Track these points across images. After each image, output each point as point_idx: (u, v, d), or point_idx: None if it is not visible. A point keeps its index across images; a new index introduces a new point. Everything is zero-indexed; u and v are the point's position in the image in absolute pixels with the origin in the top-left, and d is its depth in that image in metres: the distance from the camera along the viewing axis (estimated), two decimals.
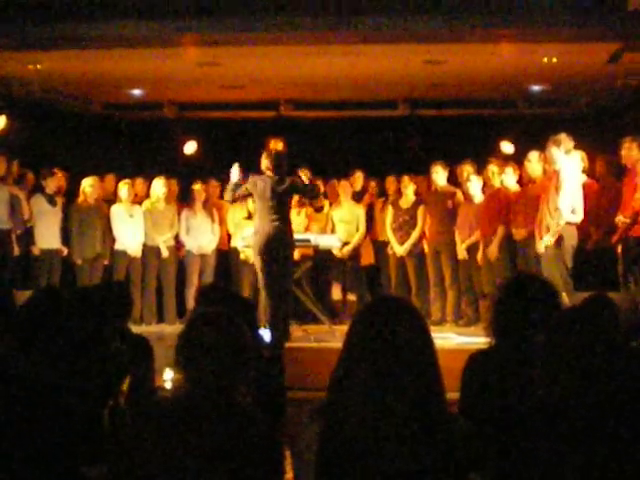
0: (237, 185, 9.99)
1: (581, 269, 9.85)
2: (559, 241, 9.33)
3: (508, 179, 11.10)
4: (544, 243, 9.39)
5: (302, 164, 10.39)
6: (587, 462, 3.00)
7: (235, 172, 10.13)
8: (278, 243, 9.75)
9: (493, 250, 10.83)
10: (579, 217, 9.42)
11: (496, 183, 11.15)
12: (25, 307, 5.05)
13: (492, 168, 11.36)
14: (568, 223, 9.34)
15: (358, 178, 12.83)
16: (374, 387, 2.93)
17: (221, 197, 12.72)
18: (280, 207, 9.83)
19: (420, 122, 14.56)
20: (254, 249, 9.96)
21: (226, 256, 12.42)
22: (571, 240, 9.42)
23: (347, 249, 12.04)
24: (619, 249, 9.91)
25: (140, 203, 12.05)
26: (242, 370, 3.29)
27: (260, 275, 9.91)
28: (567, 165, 9.39)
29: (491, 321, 4.13)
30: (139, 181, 12.49)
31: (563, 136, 9.45)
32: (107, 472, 3.56)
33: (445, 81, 12.66)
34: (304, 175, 10.04)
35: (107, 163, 13.80)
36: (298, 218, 11.16)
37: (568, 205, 9.30)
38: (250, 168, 10.28)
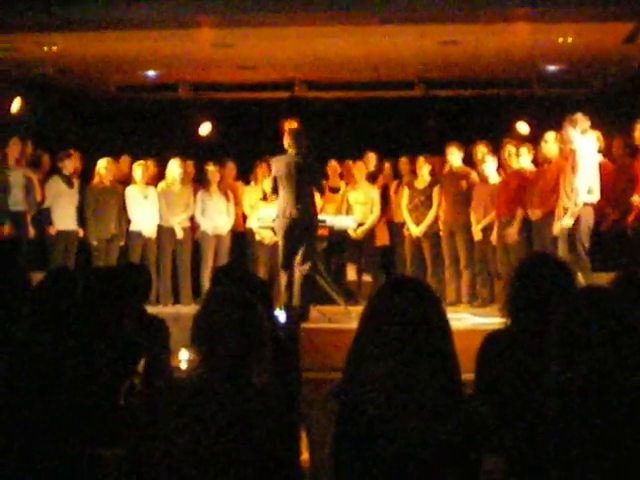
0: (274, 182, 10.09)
1: (597, 250, 9.82)
2: (576, 221, 9.29)
3: (523, 160, 11.06)
4: (564, 224, 9.33)
5: (315, 144, 10.38)
6: (602, 447, 3.00)
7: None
8: (301, 226, 9.80)
9: (512, 233, 10.75)
10: (596, 197, 9.37)
11: (514, 164, 11.09)
12: (38, 288, 5.07)
13: (510, 149, 11.30)
14: (585, 203, 9.29)
15: (371, 159, 12.81)
16: (390, 368, 2.93)
17: (236, 179, 12.77)
18: (303, 187, 9.84)
19: (435, 103, 14.52)
20: (277, 231, 10.00)
21: (241, 237, 12.44)
22: (588, 220, 9.38)
23: (362, 229, 12.04)
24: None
25: (155, 184, 12.06)
26: (258, 351, 3.30)
27: (281, 257, 9.96)
28: (583, 145, 9.35)
29: (506, 301, 4.12)
30: (154, 162, 12.49)
31: (579, 116, 9.39)
32: (124, 453, 3.58)
33: (460, 61, 12.63)
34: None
35: (122, 144, 13.83)
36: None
37: (584, 185, 9.25)
38: (265, 149, 10.33)
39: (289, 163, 9.87)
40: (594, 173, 9.38)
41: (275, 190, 10.05)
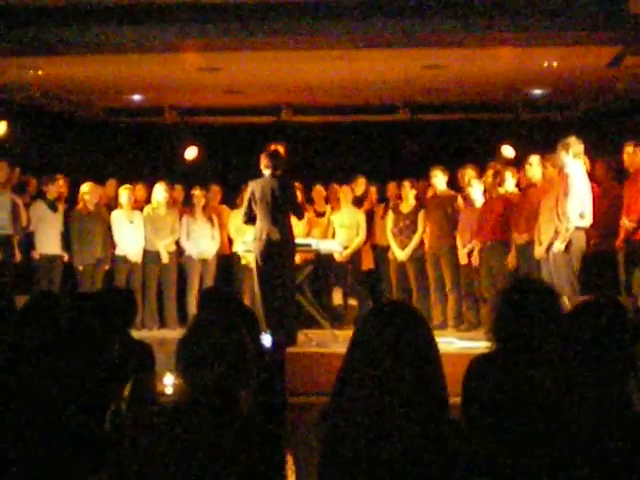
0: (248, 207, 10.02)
1: (580, 273, 9.80)
2: (567, 246, 9.28)
3: (508, 184, 11.08)
4: (555, 248, 9.32)
5: (302, 168, 10.39)
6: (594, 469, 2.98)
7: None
8: (278, 249, 9.78)
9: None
10: (588, 221, 9.32)
11: (499, 188, 11.08)
12: (21, 312, 5.06)
13: (494, 172, 11.29)
14: (577, 227, 9.27)
15: (361, 184, 12.83)
16: (378, 392, 2.92)
17: (221, 202, 12.77)
18: (279, 209, 9.83)
19: (420, 127, 14.55)
20: (255, 254, 9.97)
21: (227, 261, 12.43)
22: (579, 244, 9.35)
23: (347, 253, 12.03)
24: (621, 253, 9.89)
25: (141, 209, 12.05)
26: (243, 375, 3.29)
27: (258, 281, 9.92)
28: (575, 169, 9.33)
29: (492, 326, 4.11)
30: (140, 186, 12.50)
31: (573, 140, 9.36)
32: (108, 478, 3.56)
33: (445, 85, 12.67)
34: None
35: (108, 168, 13.82)
36: (299, 223, 11.11)
37: (576, 210, 9.23)
38: (251, 173, 10.32)
39: (265, 186, 9.85)
40: (586, 197, 9.35)
41: (248, 214, 9.99)
